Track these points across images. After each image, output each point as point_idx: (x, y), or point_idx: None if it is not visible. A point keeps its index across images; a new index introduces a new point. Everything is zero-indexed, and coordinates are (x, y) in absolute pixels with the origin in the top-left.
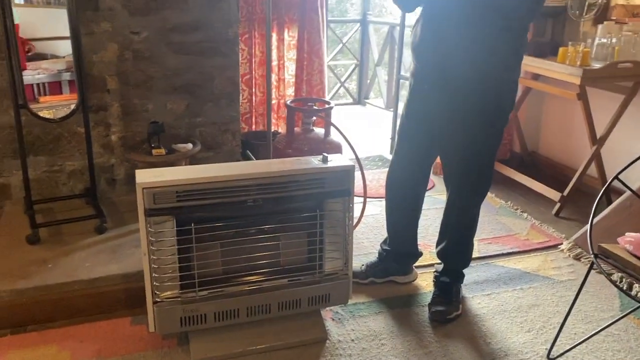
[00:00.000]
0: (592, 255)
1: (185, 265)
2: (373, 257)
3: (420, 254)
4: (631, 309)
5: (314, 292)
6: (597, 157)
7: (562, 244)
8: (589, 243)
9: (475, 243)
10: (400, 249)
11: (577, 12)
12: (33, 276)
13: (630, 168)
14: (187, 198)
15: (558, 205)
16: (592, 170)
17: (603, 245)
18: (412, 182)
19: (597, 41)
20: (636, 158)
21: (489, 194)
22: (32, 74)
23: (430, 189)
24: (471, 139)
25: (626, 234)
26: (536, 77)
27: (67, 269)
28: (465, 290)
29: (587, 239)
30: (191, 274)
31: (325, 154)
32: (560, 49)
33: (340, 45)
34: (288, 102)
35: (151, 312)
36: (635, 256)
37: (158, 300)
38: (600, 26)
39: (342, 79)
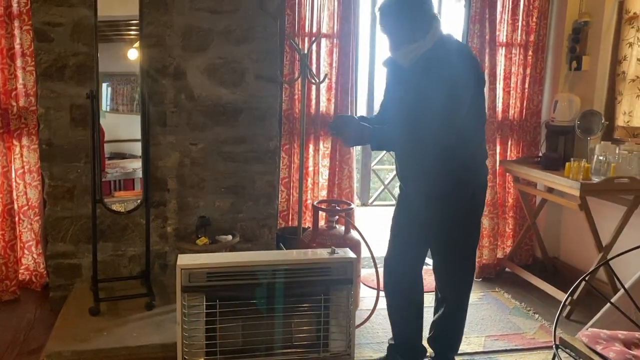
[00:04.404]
0: (554, 345)
1: (210, 335)
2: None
3: (425, 350)
4: None
5: None
6: (605, 264)
7: None
8: (553, 335)
9: (482, 339)
10: (403, 344)
11: (583, 131)
12: (91, 341)
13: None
14: (215, 278)
15: (568, 308)
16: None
17: (563, 337)
18: (409, 277)
19: (595, 158)
20: (598, 265)
21: (505, 294)
22: (112, 172)
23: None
24: (446, 235)
25: (589, 329)
26: (551, 189)
27: (118, 337)
28: None
29: (552, 332)
30: (214, 343)
31: (333, 248)
32: (567, 164)
33: (385, 152)
34: (314, 203)
35: None
36: (590, 348)
37: None
38: (597, 145)
39: (386, 182)
